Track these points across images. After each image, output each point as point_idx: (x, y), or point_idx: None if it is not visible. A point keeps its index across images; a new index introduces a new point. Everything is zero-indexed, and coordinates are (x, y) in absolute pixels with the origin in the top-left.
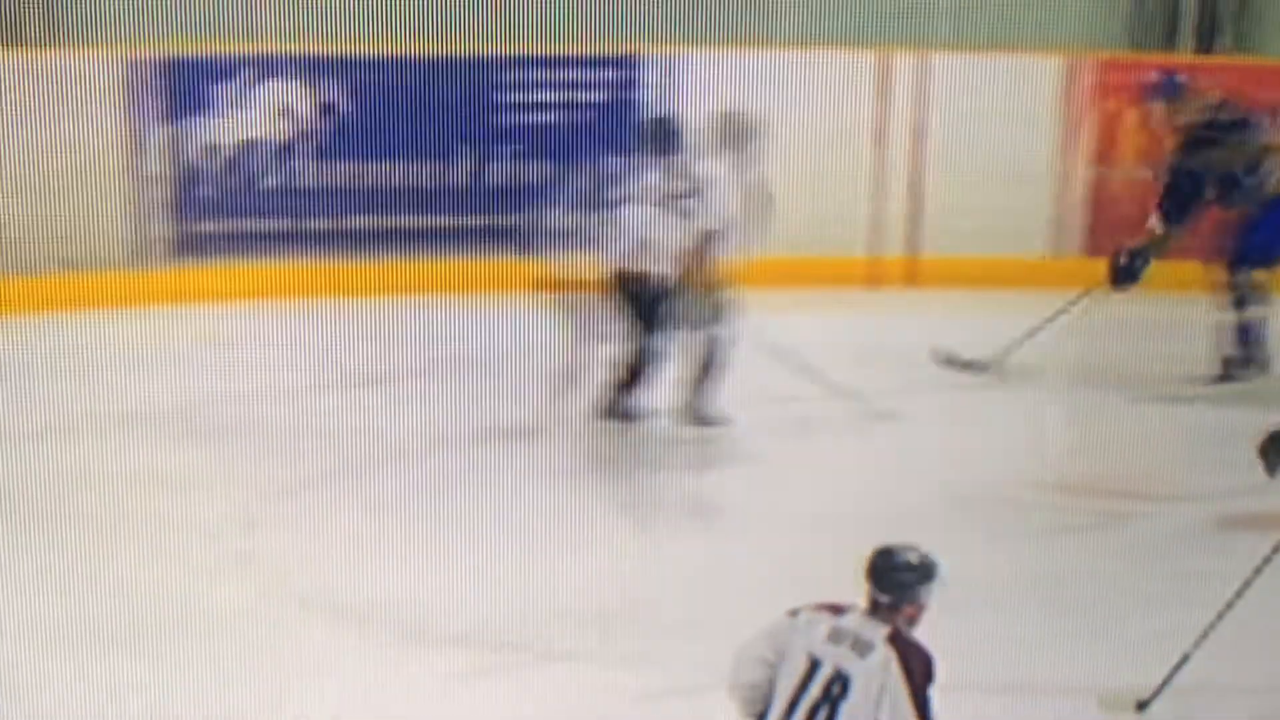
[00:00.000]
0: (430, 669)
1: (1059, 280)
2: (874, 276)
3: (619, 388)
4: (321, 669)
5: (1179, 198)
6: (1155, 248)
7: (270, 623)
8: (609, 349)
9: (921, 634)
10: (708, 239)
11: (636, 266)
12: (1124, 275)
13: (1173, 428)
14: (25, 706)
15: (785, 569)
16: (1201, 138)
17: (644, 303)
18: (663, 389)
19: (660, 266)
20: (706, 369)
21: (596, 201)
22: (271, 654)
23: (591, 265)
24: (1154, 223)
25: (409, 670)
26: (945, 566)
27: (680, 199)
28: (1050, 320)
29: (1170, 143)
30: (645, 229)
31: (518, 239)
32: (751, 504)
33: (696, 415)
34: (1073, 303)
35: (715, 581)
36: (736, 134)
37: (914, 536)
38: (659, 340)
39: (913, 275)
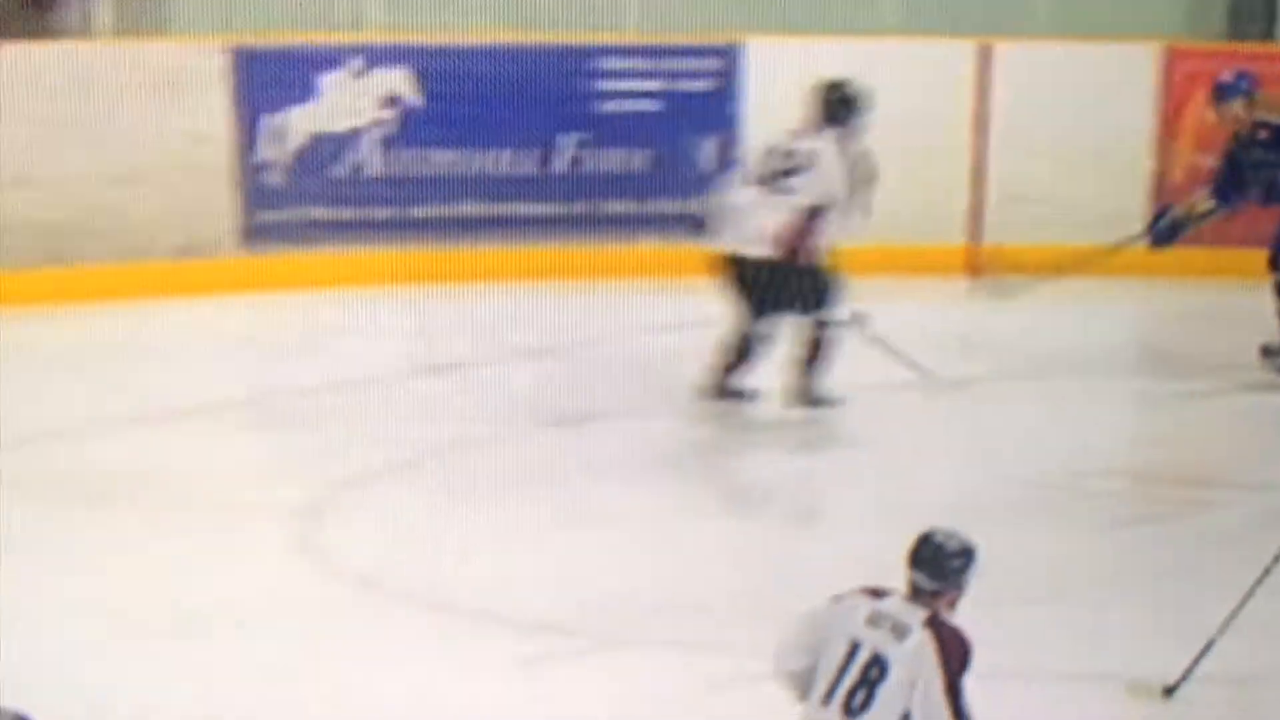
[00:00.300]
0: (507, 655)
1: (1152, 268)
2: (969, 265)
3: (725, 369)
4: (394, 656)
5: (1227, 185)
6: (1198, 218)
7: (341, 610)
8: (715, 331)
9: (978, 622)
10: (814, 217)
11: (743, 248)
12: (1160, 236)
13: (1246, 416)
14: (89, 696)
15: (871, 556)
16: (1260, 140)
17: (751, 284)
18: (769, 370)
19: (767, 247)
20: (815, 351)
21: (702, 185)
22: (342, 642)
23: (700, 248)
24: (1201, 195)
25: (490, 656)
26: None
27: (786, 177)
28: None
29: (1232, 133)
30: (751, 210)
31: (621, 225)
32: (844, 490)
33: (806, 397)
34: (1114, 248)
35: (802, 567)
36: (841, 106)
37: (994, 525)
38: (766, 322)
39: (1008, 264)
